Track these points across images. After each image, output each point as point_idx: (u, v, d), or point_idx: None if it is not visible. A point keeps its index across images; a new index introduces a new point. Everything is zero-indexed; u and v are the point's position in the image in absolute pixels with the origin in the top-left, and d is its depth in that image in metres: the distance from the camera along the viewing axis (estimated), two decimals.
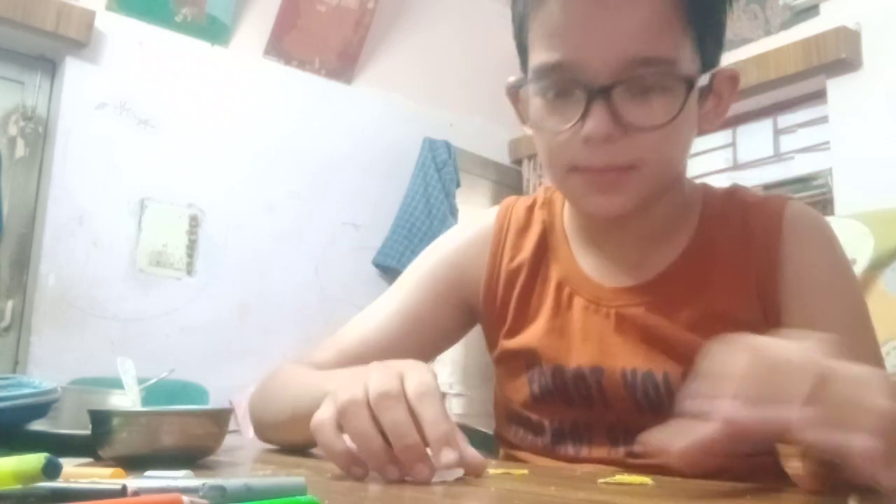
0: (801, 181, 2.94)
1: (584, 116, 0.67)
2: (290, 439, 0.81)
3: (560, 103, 0.69)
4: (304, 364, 0.87)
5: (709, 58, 0.71)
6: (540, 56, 0.69)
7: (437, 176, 3.39)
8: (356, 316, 0.91)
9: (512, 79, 0.81)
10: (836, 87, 2.75)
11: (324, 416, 0.56)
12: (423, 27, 3.59)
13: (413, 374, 0.56)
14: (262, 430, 0.87)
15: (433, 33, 3.61)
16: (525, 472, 0.62)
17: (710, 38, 0.71)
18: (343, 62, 3.36)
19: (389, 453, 0.53)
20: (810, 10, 2.87)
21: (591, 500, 0.47)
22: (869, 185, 2.57)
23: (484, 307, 0.87)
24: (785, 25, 2.94)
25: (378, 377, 0.56)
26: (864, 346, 0.73)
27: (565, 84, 0.68)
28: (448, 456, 0.52)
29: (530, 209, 0.88)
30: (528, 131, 0.81)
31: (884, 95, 2.62)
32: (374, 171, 3.39)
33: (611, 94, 0.66)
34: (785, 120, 3.04)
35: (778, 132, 3.05)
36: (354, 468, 0.55)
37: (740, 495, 0.50)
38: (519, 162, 3.84)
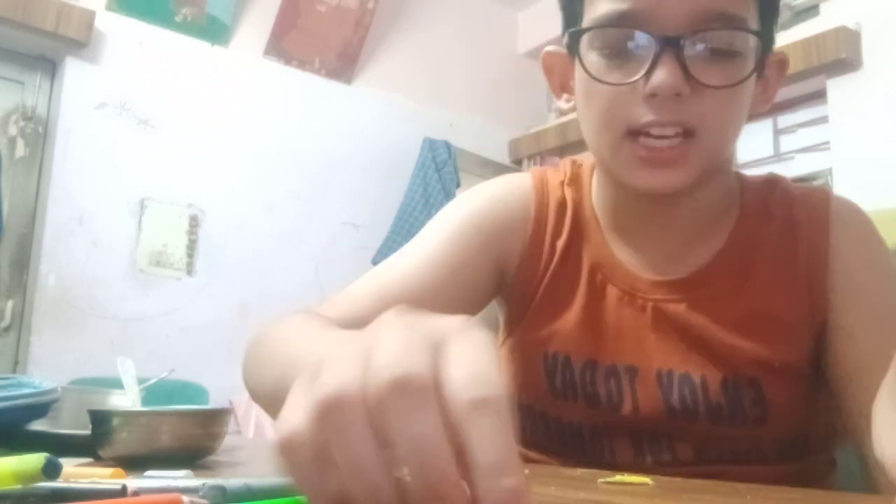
0: (801, 181, 2.93)
1: (650, 69, 0.62)
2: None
3: (621, 59, 0.65)
4: (320, 317, 0.67)
5: (765, 37, 0.67)
6: (605, 5, 0.64)
7: (437, 176, 3.39)
8: (386, 261, 0.78)
9: (551, 48, 0.76)
10: (836, 87, 2.75)
11: (293, 424, 0.28)
12: (423, 27, 3.59)
13: (459, 345, 0.28)
14: (254, 395, 0.73)
15: (433, 33, 3.61)
16: (525, 471, 0.61)
17: (770, 16, 0.68)
18: (343, 62, 3.36)
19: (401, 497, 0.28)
20: (810, 10, 2.87)
21: (591, 500, 0.47)
22: (869, 185, 2.57)
23: (517, 279, 0.78)
24: (785, 25, 2.94)
25: (394, 345, 0.28)
26: None
27: (631, 35, 0.64)
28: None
29: (562, 185, 0.80)
30: (564, 105, 0.76)
31: (884, 95, 2.62)
32: (374, 171, 3.38)
33: (681, 46, 0.62)
34: (785, 120, 3.04)
35: (778, 132, 3.05)
36: None
37: (740, 495, 0.50)
38: (519, 162, 3.84)
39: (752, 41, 0.64)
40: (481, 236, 0.77)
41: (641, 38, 0.63)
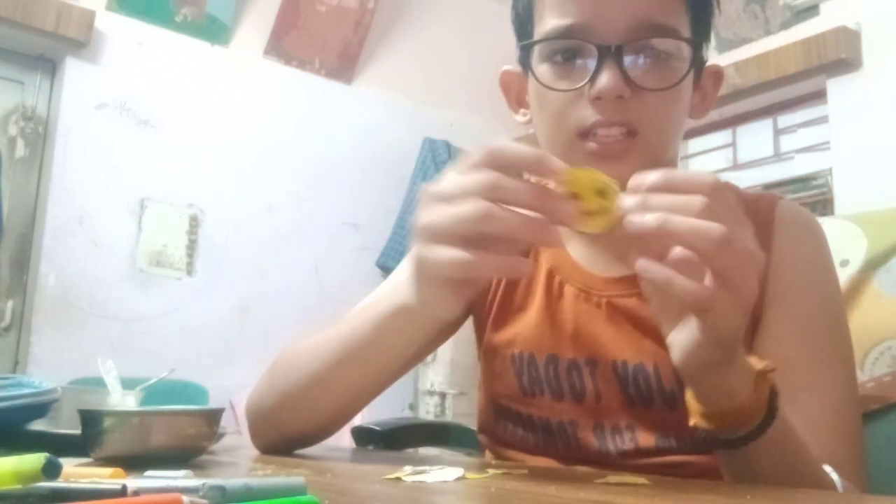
0: (801, 181, 2.94)
1: (595, 75, 0.69)
2: (317, 406, 0.75)
3: (569, 67, 0.72)
4: (316, 338, 0.80)
5: (698, 51, 0.75)
6: (552, 21, 0.72)
7: (438, 176, 3.39)
8: (361, 301, 0.88)
9: (508, 67, 0.82)
10: (836, 87, 2.75)
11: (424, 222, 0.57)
12: (423, 27, 3.59)
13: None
14: (279, 414, 0.78)
15: (433, 33, 3.61)
16: (525, 472, 0.62)
17: (701, 29, 0.75)
18: (343, 62, 3.36)
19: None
20: (810, 10, 2.86)
21: (591, 499, 0.47)
22: (869, 185, 2.57)
23: (478, 296, 0.85)
24: (785, 25, 2.94)
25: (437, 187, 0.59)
26: (831, 355, 0.73)
27: (576, 46, 0.71)
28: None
29: None
30: (521, 118, 0.83)
31: (884, 95, 2.62)
32: (374, 171, 3.38)
33: (621, 54, 0.69)
34: (785, 120, 3.04)
35: (778, 132, 3.05)
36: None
37: (740, 495, 0.50)
38: None
39: (685, 49, 0.72)
40: None
41: (585, 49, 0.71)
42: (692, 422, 0.60)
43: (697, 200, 0.50)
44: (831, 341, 0.74)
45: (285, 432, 0.79)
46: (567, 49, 0.72)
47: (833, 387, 0.71)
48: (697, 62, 0.74)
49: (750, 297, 0.52)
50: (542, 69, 0.74)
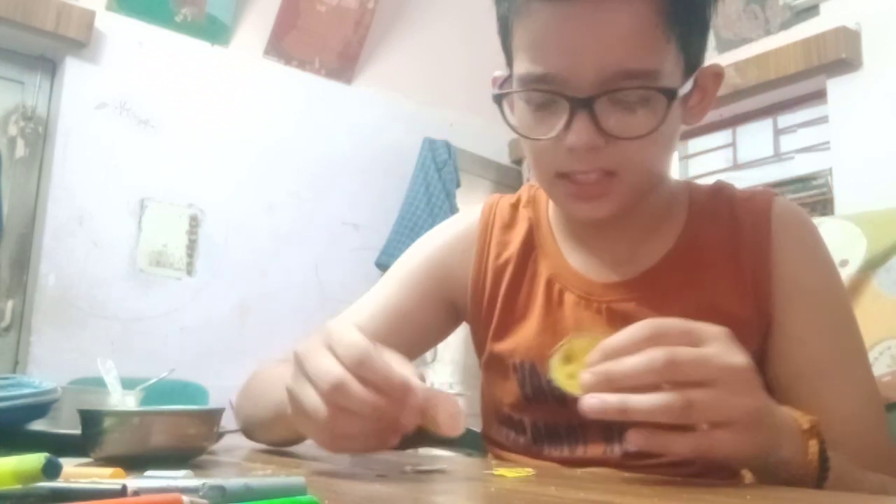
0: (801, 181, 2.94)
1: (567, 126, 0.67)
2: (279, 436, 0.81)
3: (544, 111, 0.70)
4: (289, 362, 0.87)
5: (694, 56, 0.71)
6: (524, 66, 0.69)
7: (438, 176, 3.39)
8: (342, 313, 0.91)
9: (498, 73, 0.80)
10: (836, 87, 2.75)
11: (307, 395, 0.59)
12: (423, 27, 3.59)
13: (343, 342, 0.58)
14: (250, 430, 0.87)
15: (433, 33, 3.61)
16: (525, 472, 0.62)
17: (695, 38, 0.71)
18: (343, 62, 3.36)
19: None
20: (810, 10, 2.86)
21: (591, 499, 0.47)
22: (869, 185, 2.57)
23: (472, 306, 0.87)
24: (785, 25, 2.93)
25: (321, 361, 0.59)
26: (852, 350, 0.74)
27: (549, 94, 0.69)
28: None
29: (514, 206, 0.89)
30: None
31: (884, 95, 2.62)
32: (374, 171, 3.38)
33: (593, 105, 0.66)
34: (785, 120, 3.04)
35: (778, 132, 3.05)
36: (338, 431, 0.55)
37: (740, 495, 0.50)
38: (519, 162, 3.84)
39: (665, 88, 0.67)
40: (429, 282, 0.88)
41: (557, 98, 0.68)
42: (746, 480, 0.60)
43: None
44: (849, 336, 0.74)
45: (260, 439, 0.86)
46: (540, 97, 0.69)
47: (861, 382, 0.72)
48: (690, 71, 0.71)
49: (746, 409, 0.53)
50: (521, 108, 0.72)
